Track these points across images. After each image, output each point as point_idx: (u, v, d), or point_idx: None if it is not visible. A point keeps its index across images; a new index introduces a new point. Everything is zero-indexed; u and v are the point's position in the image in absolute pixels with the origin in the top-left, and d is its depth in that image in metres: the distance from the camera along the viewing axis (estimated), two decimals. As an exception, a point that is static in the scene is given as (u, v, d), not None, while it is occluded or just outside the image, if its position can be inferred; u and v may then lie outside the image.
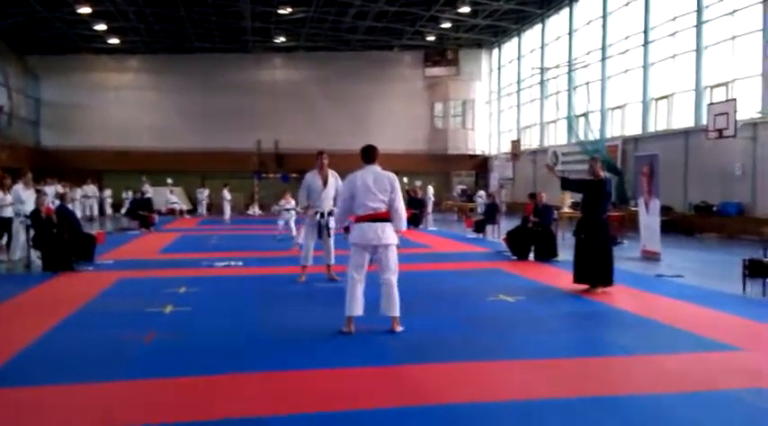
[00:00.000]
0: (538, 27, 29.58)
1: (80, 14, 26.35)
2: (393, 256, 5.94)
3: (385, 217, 5.90)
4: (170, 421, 3.82)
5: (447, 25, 30.48)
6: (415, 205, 21.09)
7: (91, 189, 26.26)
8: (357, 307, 5.84)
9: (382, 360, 5.10)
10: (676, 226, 17.91)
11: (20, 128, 30.62)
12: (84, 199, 25.39)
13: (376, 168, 6.00)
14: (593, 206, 8.36)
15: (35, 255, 10.66)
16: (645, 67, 21.17)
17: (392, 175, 6.01)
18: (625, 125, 23.01)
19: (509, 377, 4.73)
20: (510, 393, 4.34)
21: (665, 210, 17.95)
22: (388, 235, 5.88)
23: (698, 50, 18.61)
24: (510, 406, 4.09)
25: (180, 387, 4.45)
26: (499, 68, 34.65)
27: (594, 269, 8.20)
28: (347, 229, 6.07)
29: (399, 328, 5.93)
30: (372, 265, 6.01)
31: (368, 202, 5.85)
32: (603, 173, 8.56)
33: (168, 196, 27.97)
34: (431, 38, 33.01)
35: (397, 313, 5.91)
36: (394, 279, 5.91)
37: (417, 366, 4.94)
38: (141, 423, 3.81)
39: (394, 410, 4.00)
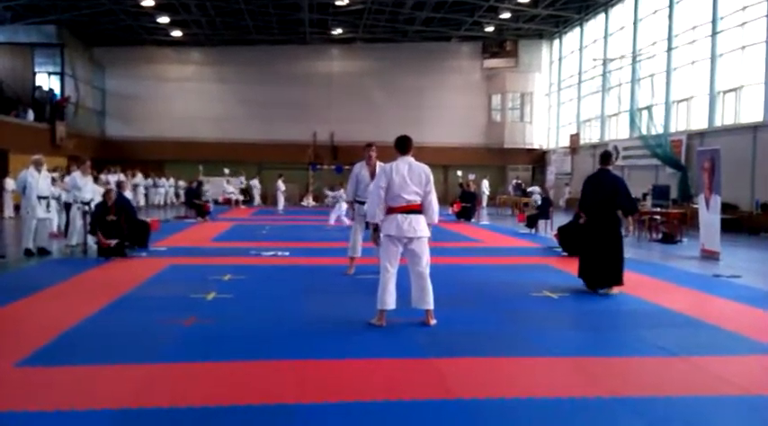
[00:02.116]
0: (601, 17, 28.77)
1: (144, 7, 27.19)
2: (426, 248, 5.87)
3: (418, 209, 5.83)
4: (197, 405, 3.87)
5: (506, 15, 29.98)
6: (468, 199, 20.82)
7: (138, 179, 26.97)
8: (391, 300, 5.78)
9: (411, 353, 5.04)
10: (741, 224, 17.17)
11: (86, 118, 31.84)
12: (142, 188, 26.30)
13: (411, 159, 5.90)
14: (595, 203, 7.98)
15: (91, 241, 11.04)
16: (712, 59, 20.31)
17: (427, 168, 5.89)
18: (690, 119, 22.15)
19: (539, 373, 4.62)
20: (538, 390, 4.22)
21: (730, 208, 17.24)
22: (423, 227, 5.80)
23: (769, 41, 17.73)
24: (536, 403, 3.98)
25: (211, 372, 4.52)
26: (560, 60, 33.89)
27: (602, 267, 7.76)
28: (376, 228, 5.97)
29: (433, 321, 5.85)
30: (402, 258, 5.94)
31: (403, 194, 5.76)
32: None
33: (225, 186, 28.67)
34: (489, 28, 32.55)
35: (431, 305, 5.84)
36: (427, 271, 5.83)
37: (446, 359, 4.87)
38: (168, 405, 3.87)
39: (417, 402, 3.95)
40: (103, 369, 4.54)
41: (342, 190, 17.29)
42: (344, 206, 16.32)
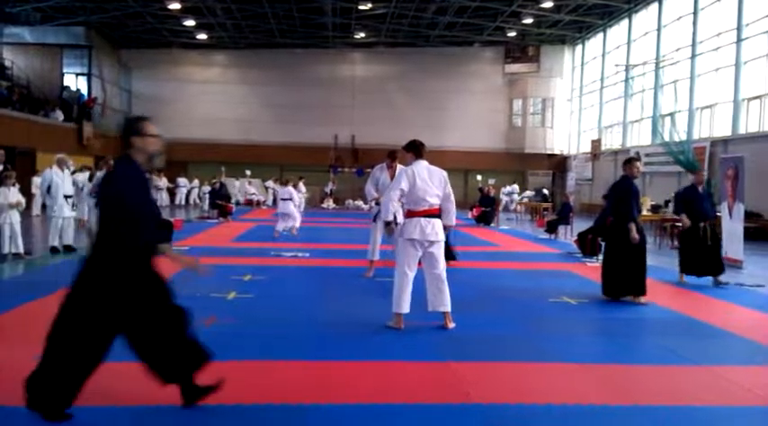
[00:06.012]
0: (624, 23, 28.56)
1: (170, 11, 27.52)
2: (442, 252, 5.95)
3: (438, 213, 5.90)
4: (213, 404, 3.91)
5: (529, 21, 29.90)
6: (487, 203, 20.76)
7: (163, 182, 27.22)
8: (407, 304, 5.83)
9: (428, 356, 5.07)
10: (765, 233, 16.92)
11: (112, 119, 32.21)
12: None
13: (427, 163, 5.98)
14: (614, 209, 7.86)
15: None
16: (737, 66, 20.06)
17: (443, 171, 5.98)
18: (714, 126, 21.89)
19: (558, 379, 4.61)
20: (557, 396, 4.21)
21: (755, 217, 17.01)
22: (441, 231, 5.89)
23: (796, 48, 17.48)
24: (555, 410, 3.98)
25: (230, 371, 4.52)
26: (582, 65, 33.68)
27: (622, 277, 7.59)
28: (388, 224, 6.05)
29: (452, 324, 5.88)
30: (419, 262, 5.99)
31: (427, 198, 5.82)
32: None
33: (246, 187, 28.92)
34: (512, 33, 32.45)
35: (448, 307, 5.87)
36: (444, 274, 5.88)
37: (463, 363, 4.89)
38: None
39: (435, 406, 3.98)
40: (123, 366, 4.59)
41: (303, 190, 15.52)
42: (298, 219, 14.97)
